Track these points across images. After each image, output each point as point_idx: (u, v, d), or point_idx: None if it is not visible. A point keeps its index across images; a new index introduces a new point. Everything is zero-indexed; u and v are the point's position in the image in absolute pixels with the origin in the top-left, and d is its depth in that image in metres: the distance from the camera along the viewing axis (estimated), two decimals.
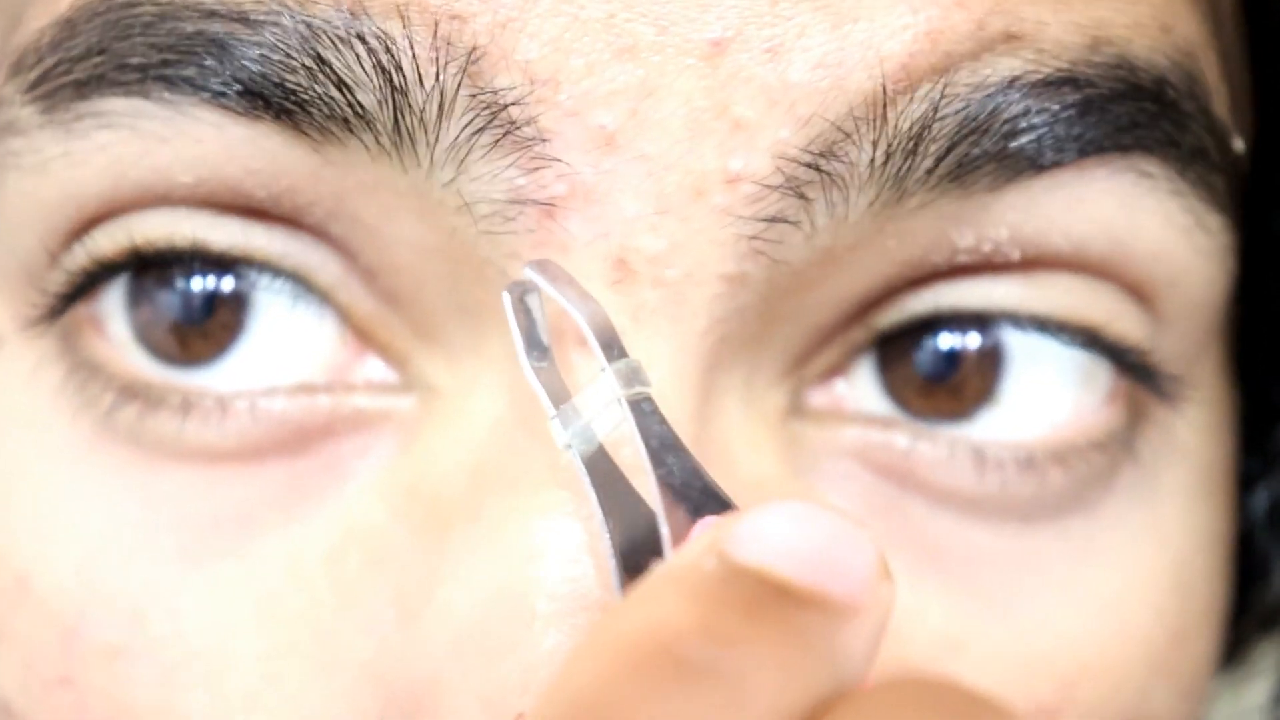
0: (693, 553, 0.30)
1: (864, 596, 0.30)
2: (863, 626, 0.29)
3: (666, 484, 0.33)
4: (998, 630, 0.40)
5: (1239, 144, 0.41)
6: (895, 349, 0.40)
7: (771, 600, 0.29)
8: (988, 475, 0.39)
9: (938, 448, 0.39)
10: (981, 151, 0.37)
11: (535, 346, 0.36)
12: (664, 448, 0.34)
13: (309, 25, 0.36)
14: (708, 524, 0.31)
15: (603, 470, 0.35)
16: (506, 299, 0.36)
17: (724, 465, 0.38)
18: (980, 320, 0.40)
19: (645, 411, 0.34)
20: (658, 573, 0.30)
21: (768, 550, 0.30)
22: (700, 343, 0.37)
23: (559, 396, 0.35)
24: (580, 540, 0.35)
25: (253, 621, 0.38)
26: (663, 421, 0.34)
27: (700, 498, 0.34)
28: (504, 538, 0.36)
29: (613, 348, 0.35)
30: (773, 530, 0.30)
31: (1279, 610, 0.49)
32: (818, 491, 0.39)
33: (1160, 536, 0.42)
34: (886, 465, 0.40)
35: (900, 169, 0.37)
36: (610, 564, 0.34)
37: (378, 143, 0.36)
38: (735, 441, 0.38)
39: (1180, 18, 0.39)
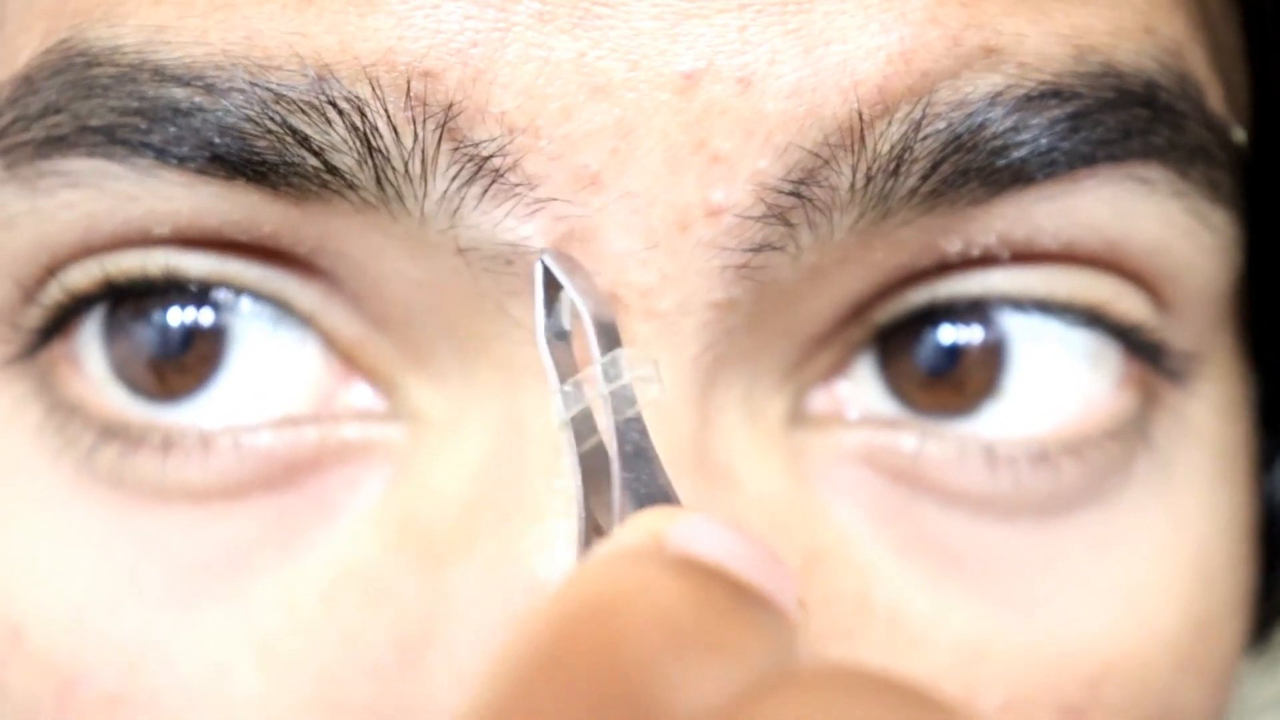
0: (633, 538, 0.30)
1: (791, 613, 0.29)
2: (793, 640, 0.29)
3: (632, 490, 0.33)
4: (1020, 633, 0.39)
5: (1239, 134, 0.40)
6: (896, 345, 0.39)
7: (739, 591, 0.28)
8: (1000, 473, 0.39)
9: (947, 447, 0.39)
10: (966, 168, 0.36)
11: (555, 326, 0.36)
12: (637, 455, 0.33)
13: (273, 92, 0.35)
14: (641, 516, 0.31)
15: (593, 463, 0.35)
16: (538, 269, 0.35)
17: (728, 483, 0.37)
18: (978, 308, 0.39)
19: (629, 417, 0.34)
20: (609, 549, 0.30)
21: (712, 551, 0.29)
22: (694, 367, 0.36)
23: (567, 377, 0.35)
24: None
25: (251, 664, 0.37)
26: (643, 433, 0.34)
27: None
28: (502, 573, 0.35)
29: (612, 340, 0.35)
30: (711, 534, 0.29)
31: None
32: (827, 502, 0.38)
33: (1179, 524, 0.41)
34: (895, 469, 0.39)
35: (883, 189, 0.36)
36: (576, 552, 0.34)
37: (361, 198, 0.36)
38: (740, 458, 0.37)
39: (1164, 17, 0.38)
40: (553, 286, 0.35)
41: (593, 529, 0.34)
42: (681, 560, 0.28)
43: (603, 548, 0.30)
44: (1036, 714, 0.39)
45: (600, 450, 0.34)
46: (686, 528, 0.29)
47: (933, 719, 0.26)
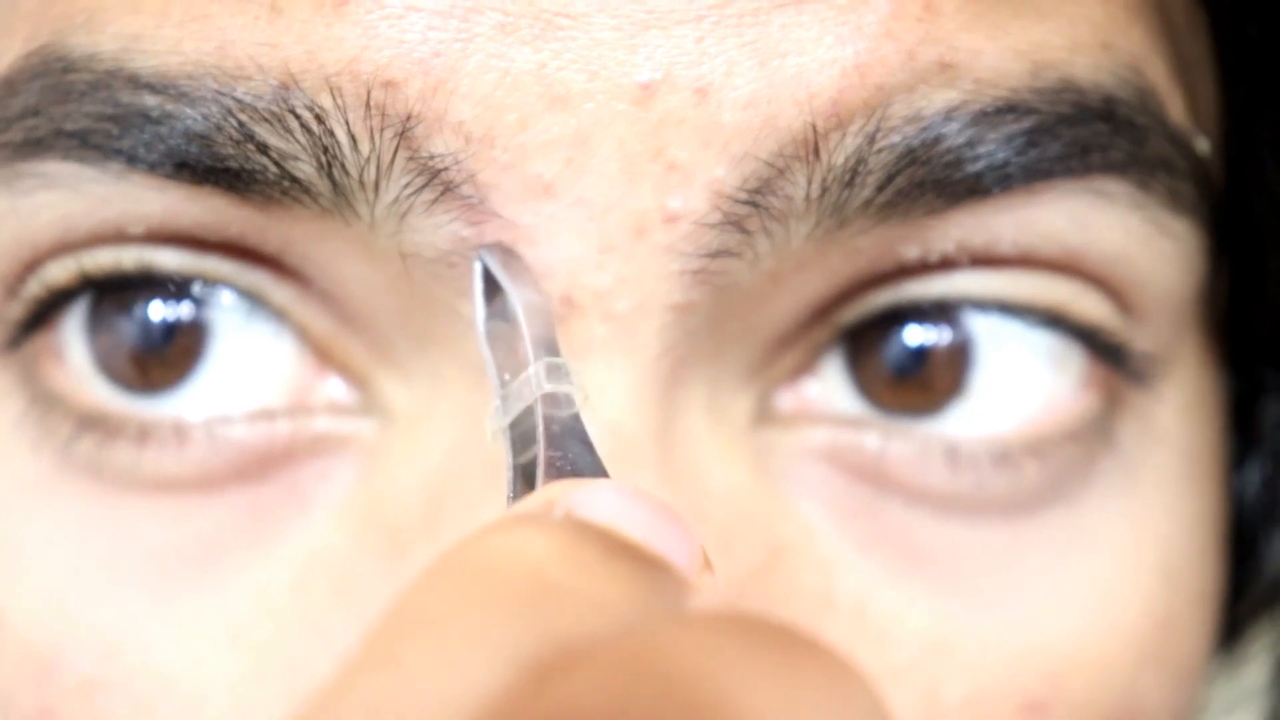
0: (532, 505, 0.30)
1: (693, 574, 0.29)
2: (679, 599, 0.29)
3: (556, 467, 0.33)
4: (983, 628, 0.39)
5: (1203, 145, 0.40)
6: (864, 345, 0.40)
7: (621, 549, 0.29)
8: (961, 473, 0.39)
9: (910, 447, 0.39)
10: (922, 181, 0.37)
11: (496, 319, 0.36)
12: (566, 434, 0.34)
13: (238, 101, 0.36)
14: (548, 487, 0.31)
15: (528, 463, 0.35)
16: (476, 269, 0.36)
17: (692, 480, 0.37)
18: (945, 309, 0.39)
19: (561, 407, 0.34)
20: (502, 516, 0.30)
21: (609, 515, 0.29)
22: (655, 367, 0.37)
23: (509, 373, 0.35)
24: None
25: (224, 650, 0.38)
26: (575, 416, 0.34)
27: None
28: None
29: (544, 344, 0.35)
30: (610, 500, 0.30)
31: (1274, 591, 0.49)
32: (791, 498, 0.39)
33: (1144, 525, 0.41)
34: (859, 467, 0.39)
35: (838, 200, 0.36)
36: None
37: (319, 205, 0.36)
38: (703, 455, 0.38)
39: (1122, 31, 0.39)
40: (496, 284, 0.36)
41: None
42: (569, 524, 0.29)
43: (492, 516, 0.30)
44: (999, 708, 0.39)
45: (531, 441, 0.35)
46: (589, 493, 0.30)
47: (791, 654, 0.26)
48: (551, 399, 0.34)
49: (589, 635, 0.27)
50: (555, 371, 0.34)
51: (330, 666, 0.37)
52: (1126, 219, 0.39)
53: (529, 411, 0.34)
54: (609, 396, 0.36)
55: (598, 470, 0.33)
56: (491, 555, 0.28)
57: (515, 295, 0.35)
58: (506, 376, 0.35)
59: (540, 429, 0.34)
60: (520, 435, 0.35)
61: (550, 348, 0.35)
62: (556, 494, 0.30)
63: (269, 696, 0.38)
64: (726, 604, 0.37)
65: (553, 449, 0.33)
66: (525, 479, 0.34)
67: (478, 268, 0.36)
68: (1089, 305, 0.39)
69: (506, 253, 0.36)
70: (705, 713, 0.25)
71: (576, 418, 0.34)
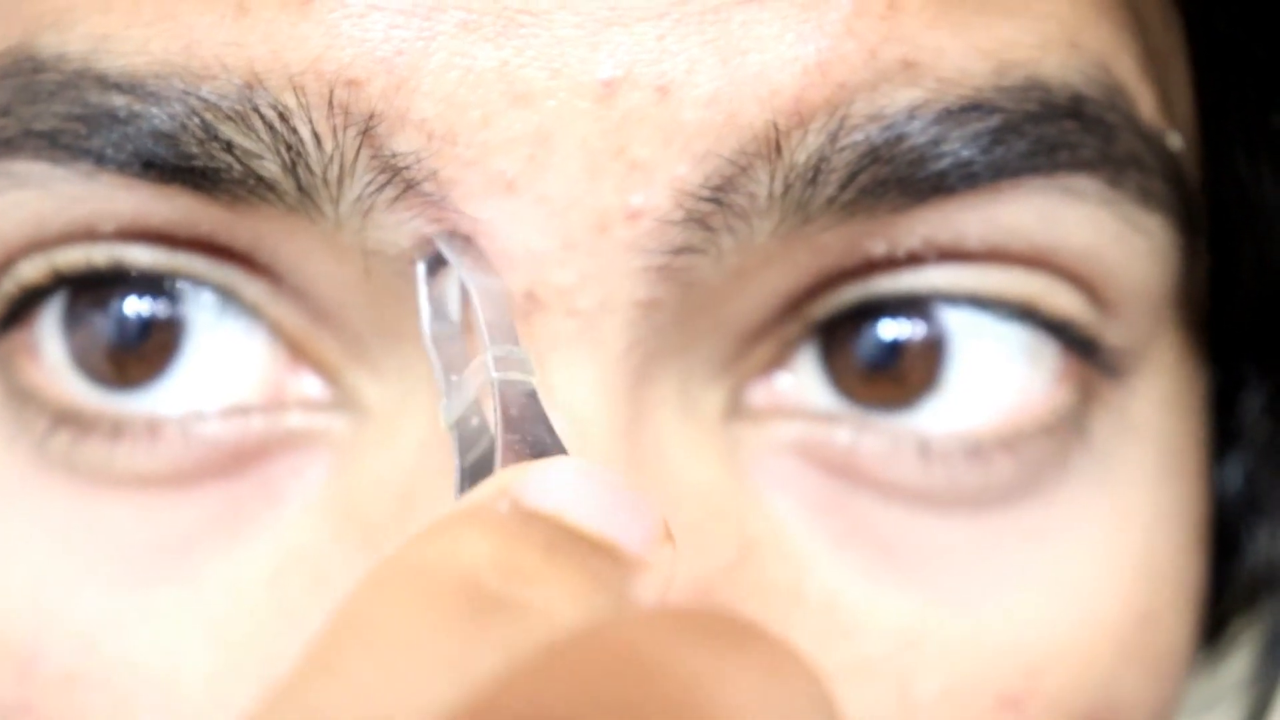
0: (483, 495, 0.30)
1: (650, 551, 0.30)
2: (651, 583, 0.29)
3: (515, 450, 0.33)
4: (956, 623, 0.39)
5: (1175, 141, 0.40)
6: (838, 339, 0.40)
7: (564, 543, 0.29)
8: (933, 467, 0.39)
9: (881, 441, 0.39)
10: (885, 179, 0.37)
11: (442, 319, 0.36)
12: (524, 418, 0.34)
13: (203, 100, 0.36)
14: (504, 472, 0.31)
15: (476, 461, 0.35)
16: (420, 269, 0.36)
17: (662, 474, 0.37)
18: (918, 303, 0.39)
19: (520, 392, 0.34)
20: (448, 512, 0.30)
21: (558, 500, 0.29)
22: (623, 363, 0.37)
23: (456, 371, 0.35)
24: None
25: (200, 644, 0.38)
26: (532, 396, 0.34)
27: None
28: None
29: (501, 330, 0.35)
30: (561, 482, 0.30)
31: (1256, 586, 0.49)
32: (762, 493, 0.39)
33: (1120, 519, 0.41)
34: (830, 461, 0.39)
35: (801, 197, 0.36)
36: None
37: (285, 203, 0.36)
38: (673, 450, 0.38)
39: (1090, 28, 0.39)
40: (442, 283, 0.36)
41: None
42: (513, 520, 0.29)
43: (451, 509, 0.30)
44: (974, 703, 0.39)
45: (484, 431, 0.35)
46: (540, 475, 0.30)
47: (746, 646, 0.26)
48: (508, 385, 0.34)
49: (533, 643, 0.27)
50: (510, 358, 0.34)
51: None
52: (1097, 216, 0.39)
53: (480, 400, 0.34)
54: (574, 393, 0.36)
55: (558, 450, 0.33)
56: (430, 561, 0.28)
57: (471, 281, 0.35)
58: (454, 377, 0.35)
59: (498, 413, 0.34)
60: (473, 430, 0.35)
61: (508, 334, 0.35)
62: (508, 480, 0.30)
63: (245, 689, 0.38)
64: (697, 599, 0.37)
65: (510, 432, 0.33)
66: (474, 478, 0.34)
67: (421, 268, 0.36)
68: (1061, 299, 0.39)
69: (462, 241, 0.36)
70: (674, 710, 0.25)
71: (534, 397, 0.34)
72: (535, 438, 0.33)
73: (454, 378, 0.35)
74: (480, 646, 0.27)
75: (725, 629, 0.27)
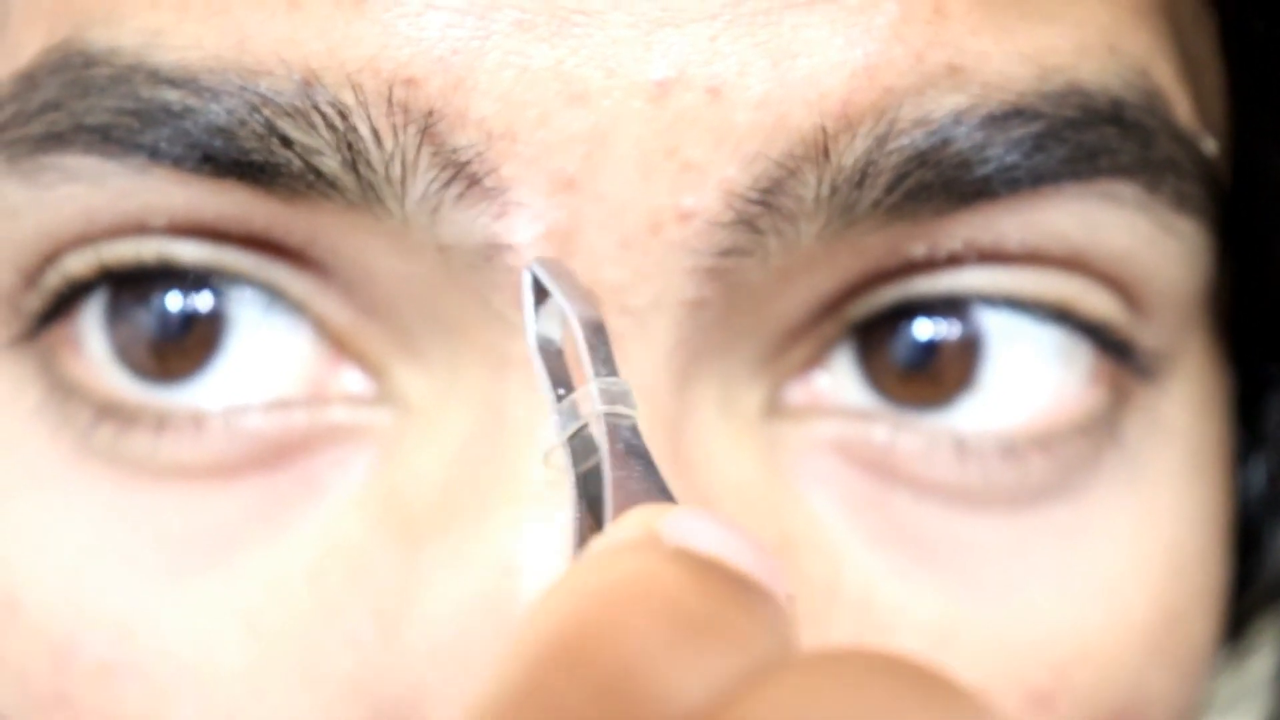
0: (631, 532, 0.29)
1: (785, 602, 0.29)
2: (789, 629, 0.29)
3: (624, 488, 0.33)
4: (988, 620, 0.40)
5: (1210, 146, 0.41)
6: (875, 338, 0.40)
7: (739, 582, 0.28)
8: (969, 465, 0.39)
9: (918, 440, 0.39)
10: (930, 183, 0.37)
11: (546, 335, 0.36)
12: (631, 454, 0.34)
13: (261, 95, 0.36)
14: (634, 512, 0.31)
15: (587, 473, 0.35)
16: (526, 278, 0.36)
17: (705, 472, 0.38)
18: (955, 304, 0.40)
19: (621, 426, 0.34)
20: (614, 541, 0.30)
21: (708, 543, 0.29)
22: (670, 361, 0.37)
23: (562, 387, 0.35)
24: (553, 551, 0.36)
25: (237, 636, 0.38)
26: (636, 435, 0.34)
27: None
28: (474, 551, 0.36)
29: (600, 355, 0.35)
30: (706, 527, 0.29)
31: (1278, 586, 0.49)
32: (800, 490, 0.39)
33: (1150, 519, 0.41)
34: (868, 459, 0.40)
35: (848, 200, 0.37)
36: (571, 550, 0.34)
37: (346, 199, 0.37)
38: (714, 447, 0.38)
39: (1129, 33, 0.39)
40: (542, 293, 0.36)
41: (589, 528, 0.34)
42: (679, 551, 0.29)
43: (598, 542, 0.30)
44: (1005, 699, 0.40)
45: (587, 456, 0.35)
46: (678, 521, 0.29)
47: (936, 696, 0.26)
48: (612, 418, 0.34)
49: (732, 672, 0.26)
50: (614, 391, 0.34)
51: (342, 651, 0.38)
52: (1134, 220, 0.39)
53: (583, 429, 0.34)
54: None
55: (664, 492, 0.33)
56: (624, 581, 0.28)
57: (570, 311, 0.35)
58: (560, 391, 0.35)
59: (605, 448, 0.34)
60: (572, 451, 0.35)
61: (609, 365, 0.35)
62: (650, 520, 0.30)
63: (283, 683, 0.38)
64: None
65: (619, 469, 0.33)
66: (586, 496, 0.34)
67: (527, 278, 0.36)
68: (1096, 301, 0.40)
69: (556, 266, 0.36)
70: None
71: (637, 434, 0.34)
72: (640, 476, 0.33)
73: (560, 391, 0.35)
74: (688, 674, 0.26)
75: (922, 677, 0.26)
